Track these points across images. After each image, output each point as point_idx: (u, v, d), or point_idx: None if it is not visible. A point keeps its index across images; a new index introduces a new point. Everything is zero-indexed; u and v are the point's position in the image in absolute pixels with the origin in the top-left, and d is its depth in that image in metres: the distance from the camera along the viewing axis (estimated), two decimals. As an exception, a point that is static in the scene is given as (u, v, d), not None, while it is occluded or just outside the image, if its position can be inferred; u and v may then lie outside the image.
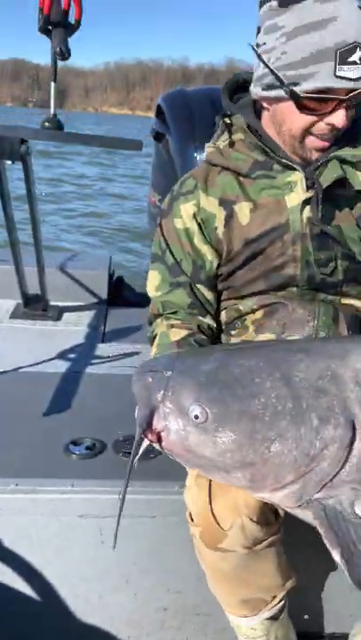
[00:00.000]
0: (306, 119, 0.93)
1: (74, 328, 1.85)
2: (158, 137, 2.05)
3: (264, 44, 0.94)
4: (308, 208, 1.00)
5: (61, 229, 6.77)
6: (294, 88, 0.90)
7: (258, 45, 0.95)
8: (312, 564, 1.19)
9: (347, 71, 0.86)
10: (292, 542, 1.02)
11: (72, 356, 1.65)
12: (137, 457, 0.75)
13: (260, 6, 0.96)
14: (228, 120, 1.05)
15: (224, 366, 0.74)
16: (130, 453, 1.21)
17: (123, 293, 2.19)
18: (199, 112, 1.94)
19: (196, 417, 0.70)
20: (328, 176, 0.97)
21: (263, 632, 1.05)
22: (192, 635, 1.23)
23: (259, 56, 0.95)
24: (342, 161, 0.98)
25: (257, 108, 1.04)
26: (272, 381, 0.70)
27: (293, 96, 0.90)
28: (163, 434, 0.74)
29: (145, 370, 0.75)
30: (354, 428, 0.68)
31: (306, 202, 1.00)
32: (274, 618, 1.05)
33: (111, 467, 1.19)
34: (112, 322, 1.92)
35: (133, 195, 9.38)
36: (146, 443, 0.76)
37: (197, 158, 1.75)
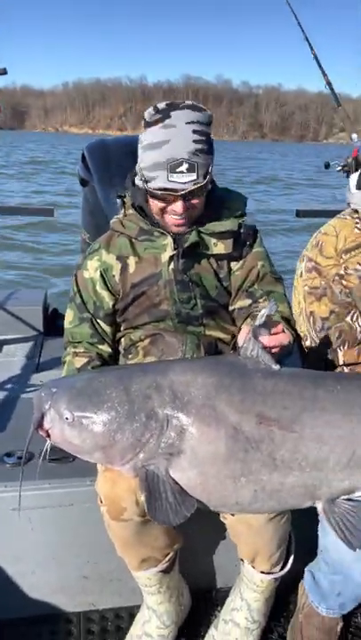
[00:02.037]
0: (158, 204, 1.32)
1: (12, 359, 2.15)
2: (84, 182, 2.35)
3: (139, 144, 1.32)
4: (173, 262, 1.38)
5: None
6: (147, 185, 1.30)
7: (140, 142, 1.33)
8: (199, 531, 1.51)
9: (176, 178, 1.25)
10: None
11: (9, 384, 1.95)
12: (28, 442, 1.09)
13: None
14: (124, 200, 1.44)
15: (89, 383, 1.08)
16: (54, 459, 1.54)
17: (58, 324, 2.49)
18: (116, 161, 2.22)
19: (67, 418, 1.04)
20: (188, 242, 1.36)
21: (157, 582, 1.39)
22: (109, 597, 1.56)
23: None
24: (201, 232, 1.37)
25: None
26: (117, 392, 1.05)
27: (147, 190, 1.30)
28: (50, 431, 1.08)
29: (42, 389, 1.10)
30: (167, 421, 1.02)
31: (172, 258, 1.37)
32: (165, 571, 1.39)
33: (36, 471, 1.50)
34: (47, 351, 2.23)
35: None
36: (48, 443, 1.11)
37: (118, 202, 2.11)
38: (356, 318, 1.36)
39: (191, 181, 1.25)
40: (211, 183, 1.37)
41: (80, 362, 1.40)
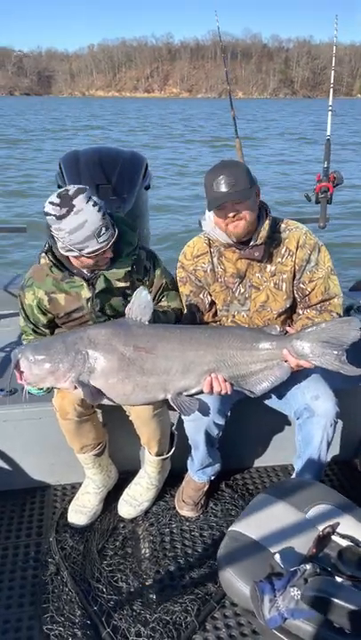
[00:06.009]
0: (86, 261, 1.93)
1: (7, 329, 2.93)
2: (60, 187, 2.75)
3: (58, 232, 1.82)
4: (90, 302, 2.04)
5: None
6: (81, 252, 1.86)
7: (57, 231, 1.83)
8: (121, 431, 2.33)
9: (102, 239, 1.83)
10: (109, 418, 2.20)
11: (5, 347, 2.77)
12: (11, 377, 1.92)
13: (46, 215, 1.83)
14: (50, 254, 2.04)
15: (43, 341, 1.90)
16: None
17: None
18: (85, 170, 2.77)
19: (31, 360, 1.84)
20: (98, 285, 2.03)
21: (92, 461, 2.24)
22: (68, 475, 2.42)
23: (55, 241, 1.94)
24: (106, 276, 2.04)
25: None
26: (58, 343, 1.85)
27: (83, 255, 1.87)
28: (22, 368, 1.86)
29: (17, 348, 1.90)
30: (87, 354, 1.82)
31: (89, 299, 2.03)
32: (97, 455, 2.24)
33: (21, 399, 2.34)
34: None
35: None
36: (26, 388, 1.90)
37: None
38: (205, 295, 2.14)
39: (112, 234, 1.87)
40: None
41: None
